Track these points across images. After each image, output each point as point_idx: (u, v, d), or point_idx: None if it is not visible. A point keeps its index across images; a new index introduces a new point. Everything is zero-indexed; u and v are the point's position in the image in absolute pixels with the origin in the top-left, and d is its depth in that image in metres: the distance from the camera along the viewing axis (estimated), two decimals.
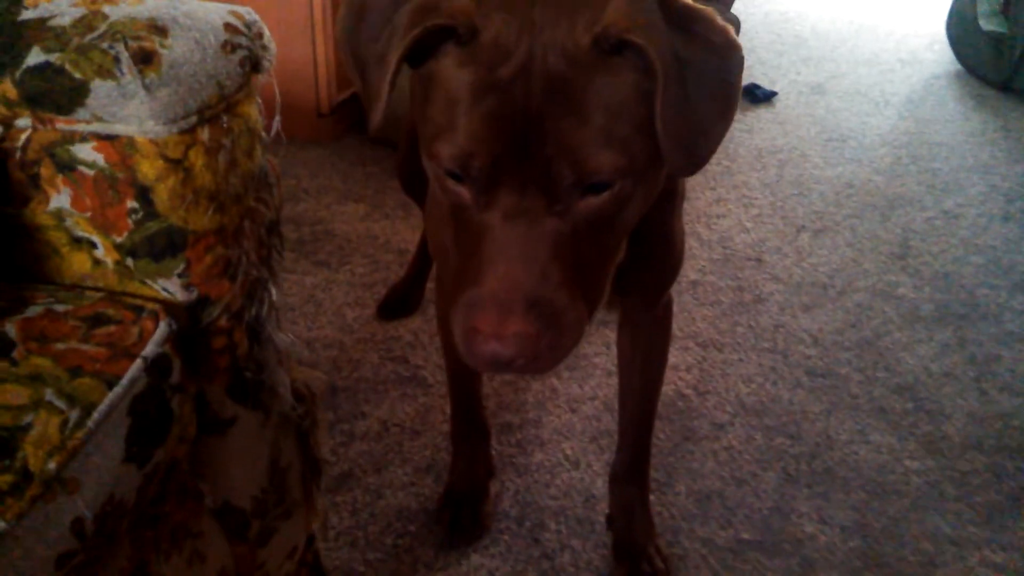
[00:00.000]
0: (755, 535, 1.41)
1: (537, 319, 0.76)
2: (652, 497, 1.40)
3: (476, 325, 0.76)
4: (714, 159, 2.29)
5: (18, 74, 0.76)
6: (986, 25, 3.39)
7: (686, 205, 2.33)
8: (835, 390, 1.74)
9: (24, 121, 0.79)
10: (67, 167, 0.79)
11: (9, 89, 0.77)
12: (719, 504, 1.47)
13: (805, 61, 3.58)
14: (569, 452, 1.56)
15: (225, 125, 0.82)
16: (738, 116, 2.91)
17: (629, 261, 0.98)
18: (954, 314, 1.99)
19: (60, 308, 0.79)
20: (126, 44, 0.75)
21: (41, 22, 0.78)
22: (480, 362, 0.78)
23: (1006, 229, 2.35)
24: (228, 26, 0.82)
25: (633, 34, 0.74)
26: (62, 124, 0.78)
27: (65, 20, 0.78)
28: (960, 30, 3.56)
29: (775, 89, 3.20)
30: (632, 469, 1.37)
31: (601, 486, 1.46)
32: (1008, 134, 2.96)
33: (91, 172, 0.79)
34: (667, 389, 1.71)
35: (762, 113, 3.05)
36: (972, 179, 2.63)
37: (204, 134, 0.80)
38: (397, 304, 1.91)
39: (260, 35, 0.86)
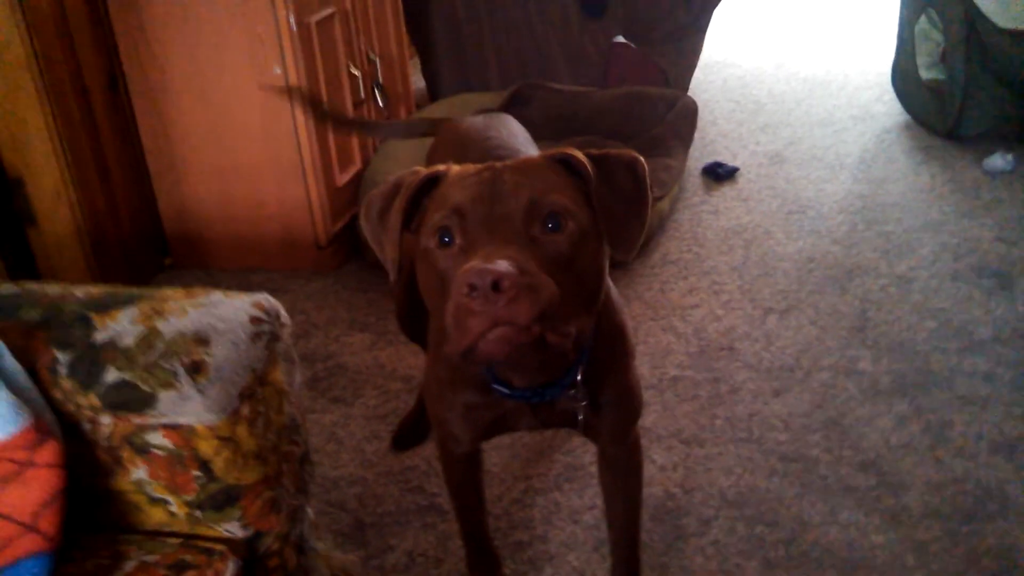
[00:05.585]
0: None
1: (517, 265, 0.95)
2: None
3: (468, 267, 0.94)
4: (684, 245, 2.55)
5: (101, 390, 0.99)
6: (926, 75, 3.63)
7: (662, 300, 2.57)
8: (806, 473, 1.96)
9: (106, 419, 1.02)
10: (142, 450, 1.02)
11: (94, 400, 1.00)
12: None
13: (764, 128, 3.83)
14: (575, 563, 1.77)
15: (259, 396, 1.05)
16: (704, 197, 3.17)
17: (594, 411, 1.27)
18: (910, 383, 2.20)
19: (150, 559, 1.01)
20: (180, 360, 0.98)
21: (112, 344, 1.01)
22: (472, 282, 0.92)
23: (955, 289, 2.57)
24: (254, 319, 1.06)
25: (571, 156, 1.08)
26: (136, 419, 1.01)
27: (130, 340, 1.01)
28: (903, 82, 3.81)
29: (736, 164, 3.44)
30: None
31: None
32: (955, 187, 3.19)
33: (162, 453, 1.02)
34: (656, 490, 1.93)
35: (726, 191, 3.28)
36: (923, 239, 2.86)
37: (245, 410, 1.03)
38: (409, 434, 2.14)
39: (277, 315, 1.09)
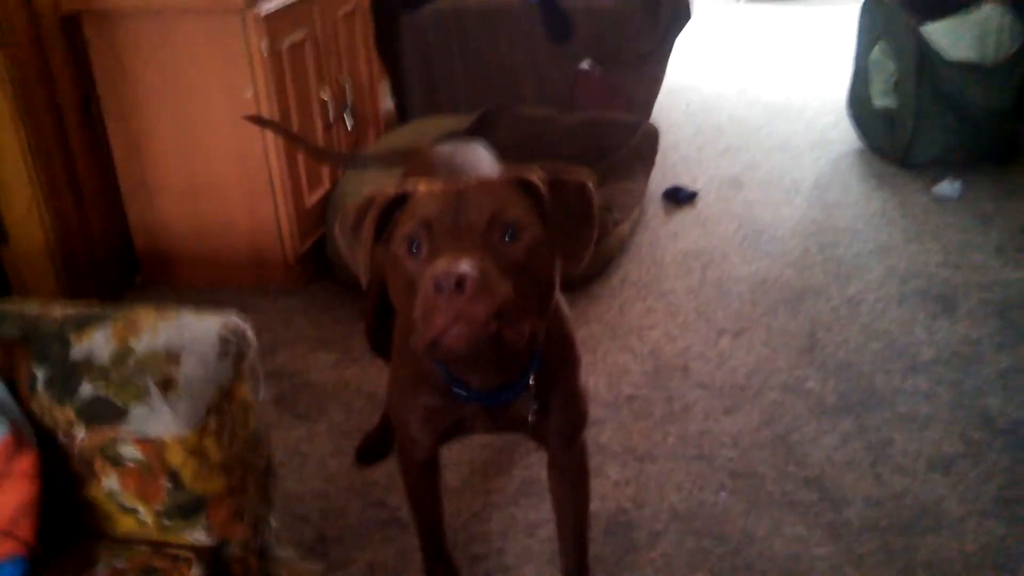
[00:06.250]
0: None
1: (478, 267, 1.05)
2: None
3: (432, 271, 1.05)
4: (643, 267, 2.64)
5: (76, 404, 1.06)
6: (880, 103, 3.75)
7: (620, 320, 2.65)
8: (754, 489, 2.04)
9: (81, 431, 1.08)
10: (115, 461, 1.09)
11: (70, 414, 1.06)
12: None
13: (723, 153, 3.94)
14: (529, 575, 1.84)
15: (226, 411, 1.12)
16: (664, 220, 3.27)
17: (544, 415, 1.38)
18: (855, 402, 2.30)
19: (120, 564, 1.08)
20: (152, 375, 1.05)
21: (87, 360, 1.07)
22: (438, 281, 1.04)
23: (901, 312, 2.68)
24: (221, 338, 1.12)
25: (527, 176, 1.19)
26: (109, 431, 1.07)
27: (104, 357, 1.07)
28: (858, 109, 3.93)
29: (696, 187, 3.54)
30: None
31: None
32: (905, 212, 3.31)
33: (133, 463, 1.08)
34: (610, 505, 2.01)
35: (686, 215, 3.38)
36: (872, 263, 2.97)
37: (212, 423, 1.09)
38: (373, 449, 2.20)
39: (244, 334, 1.16)
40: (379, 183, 2.59)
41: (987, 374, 2.37)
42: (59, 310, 1.14)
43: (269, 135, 2.76)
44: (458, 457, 2.15)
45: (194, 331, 1.11)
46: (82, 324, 1.11)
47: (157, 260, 3.00)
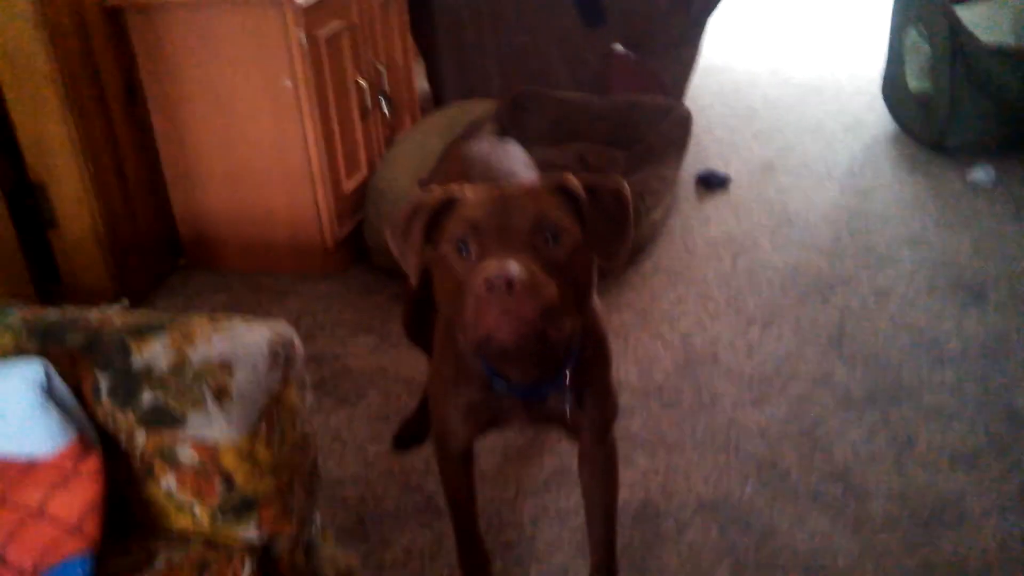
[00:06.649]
0: None
1: (526, 268, 1.13)
2: None
3: (484, 272, 1.13)
4: (675, 254, 2.69)
5: (137, 409, 1.13)
6: (914, 85, 3.74)
7: (652, 308, 2.70)
8: (779, 481, 2.10)
9: (141, 435, 1.16)
10: (172, 462, 1.16)
11: (131, 419, 1.14)
12: None
13: (756, 136, 3.95)
14: (560, 563, 1.91)
15: (275, 415, 1.19)
16: (696, 206, 3.31)
17: (577, 408, 1.47)
18: (881, 395, 2.34)
19: (177, 559, 1.15)
20: (207, 384, 1.12)
21: (147, 368, 1.15)
22: (489, 281, 1.11)
23: (931, 302, 2.71)
24: (271, 347, 1.19)
25: (567, 182, 1.27)
26: (168, 435, 1.15)
27: (163, 365, 1.15)
28: (893, 91, 3.93)
29: (729, 172, 3.57)
30: (604, 573, 1.74)
31: None
32: (938, 198, 3.32)
33: (189, 465, 1.16)
34: (639, 494, 2.07)
35: (718, 200, 3.41)
36: (903, 251, 2.99)
37: (262, 429, 1.17)
38: (409, 435, 2.28)
39: (292, 343, 1.23)
40: (417, 172, 2.64)
41: (1013, 368, 2.40)
42: (119, 318, 1.21)
43: (307, 124, 2.82)
44: (491, 445, 2.22)
45: (245, 341, 1.18)
46: (141, 333, 1.18)
47: (200, 245, 3.09)
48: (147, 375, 1.14)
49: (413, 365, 2.52)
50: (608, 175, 1.34)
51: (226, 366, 1.14)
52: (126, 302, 2.85)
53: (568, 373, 1.42)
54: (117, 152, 2.82)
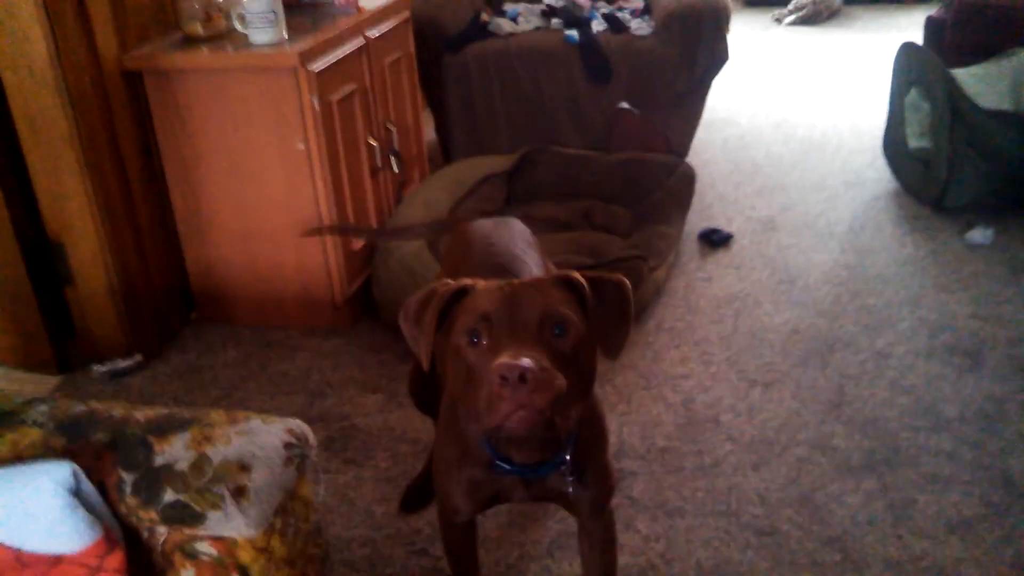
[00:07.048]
0: None
1: (537, 362, 1.19)
2: None
3: (498, 367, 1.18)
4: (678, 313, 2.74)
5: (159, 507, 1.19)
6: (915, 144, 3.81)
7: (654, 369, 2.75)
8: (778, 547, 2.14)
9: (163, 530, 1.21)
10: (192, 556, 1.22)
11: (154, 516, 1.19)
12: None
13: (759, 192, 4.01)
14: None
15: (290, 509, 1.24)
16: (699, 263, 3.37)
17: (575, 489, 1.53)
18: (879, 461, 2.38)
19: None
20: (227, 485, 1.17)
21: (169, 467, 1.20)
22: (503, 374, 1.17)
23: (929, 366, 2.75)
24: (287, 444, 1.25)
25: (572, 278, 1.35)
26: (188, 532, 1.20)
27: (184, 465, 1.20)
28: (893, 150, 3.99)
29: (731, 229, 3.63)
30: None
31: None
32: (937, 259, 3.37)
33: (208, 559, 1.21)
34: (640, 560, 2.11)
35: (720, 258, 3.47)
36: (902, 313, 3.04)
37: (277, 523, 1.22)
38: (416, 498, 2.32)
39: (306, 438, 1.28)
40: (418, 230, 2.70)
41: (1010, 434, 2.44)
42: (141, 414, 1.27)
43: (319, 184, 2.89)
44: (495, 509, 2.26)
45: (262, 440, 1.23)
46: (163, 430, 1.24)
47: (212, 299, 3.15)
48: (168, 473, 1.20)
49: (419, 426, 2.57)
50: (611, 274, 1.42)
51: (244, 467, 1.20)
52: (139, 357, 2.92)
53: (568, 454, 1.48)
54: (132, 210, 2.89)
